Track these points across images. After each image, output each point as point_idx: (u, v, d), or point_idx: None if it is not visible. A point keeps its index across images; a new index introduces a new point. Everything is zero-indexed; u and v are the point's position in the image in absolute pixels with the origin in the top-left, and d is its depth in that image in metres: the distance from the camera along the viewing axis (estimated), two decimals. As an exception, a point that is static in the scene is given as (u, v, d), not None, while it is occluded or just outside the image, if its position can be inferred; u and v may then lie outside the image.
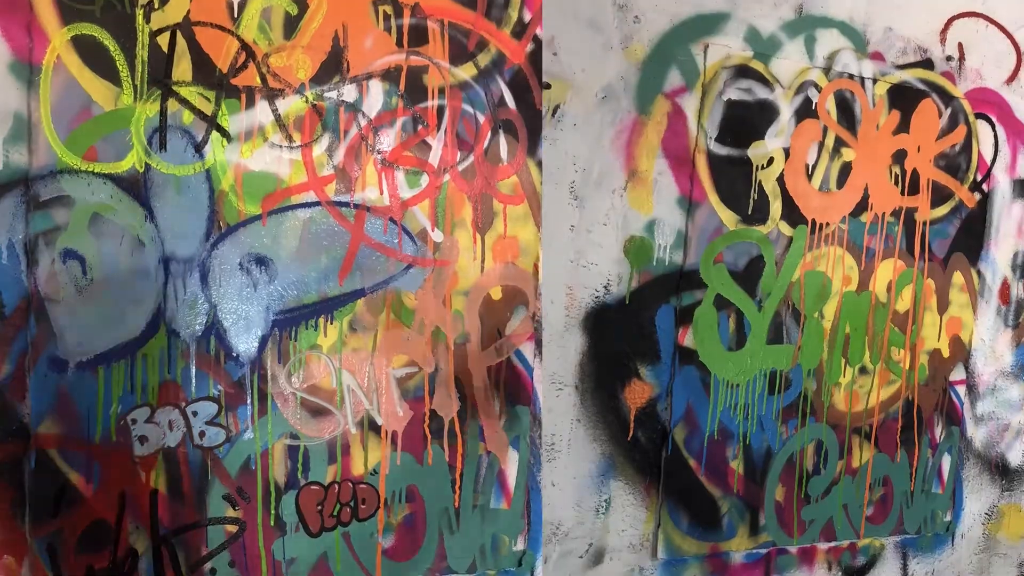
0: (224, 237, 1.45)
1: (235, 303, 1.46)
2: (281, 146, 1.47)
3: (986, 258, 2.15)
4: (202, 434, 1.46)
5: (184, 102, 1.40)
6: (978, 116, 2.09)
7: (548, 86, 1.68)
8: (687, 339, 1.84)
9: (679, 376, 1.84)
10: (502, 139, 1.64)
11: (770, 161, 1.88)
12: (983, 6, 2.07)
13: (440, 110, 1.59)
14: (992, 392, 2.23)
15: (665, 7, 1.77)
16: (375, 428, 1.58)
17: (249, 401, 1.48)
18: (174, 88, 1.40)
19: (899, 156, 2.00)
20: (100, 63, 1.35)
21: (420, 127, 1.57)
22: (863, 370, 2.03)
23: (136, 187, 1.39)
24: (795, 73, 1.89)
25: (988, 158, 2.11)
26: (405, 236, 1.58)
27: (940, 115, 2.04)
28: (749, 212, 1.87)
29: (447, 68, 1.58)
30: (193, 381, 1.44)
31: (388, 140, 1.55)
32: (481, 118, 1.62)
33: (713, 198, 1.83)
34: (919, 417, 2.11)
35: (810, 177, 1.92)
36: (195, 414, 1.45)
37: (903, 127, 2.00)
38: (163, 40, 1.38)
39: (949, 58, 2.05)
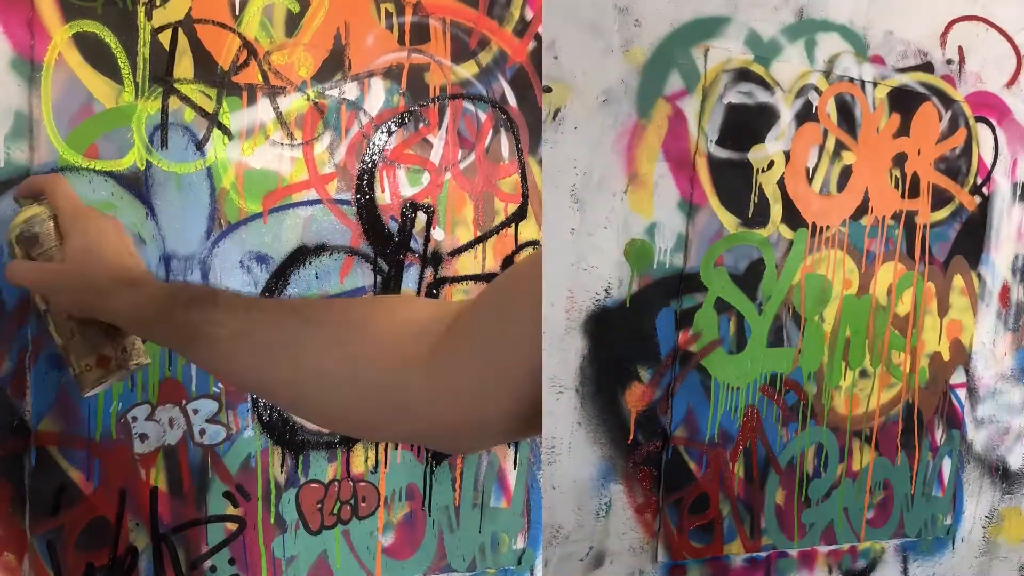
0: (225, 235, 1.45)
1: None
2: (282, 144, 1.47)
3: (986, 261, 2.15)
4: (202, 432, 1.45)
5: (185, 100, 1.40)
6: (978, 119, 2.09)
7: (549, 89, 1.68)
8: (687, 342, 1.84)
9: (679, 379, 1.84)
10: (503, 137, 1.64)
11: (771, 164, 1.88)
12: (983, 9, 2.07)
13: (442, 108, 1.59)
14: (992, 395, 2.23)
15: (666, 11, 1.77)
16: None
17: (250, 399, 1.48)
18: (175, 86, 1.40)
19: (899, 159, 2.00)
20: (101, 60, 1.35)
21: (421, 125, 1.58)
22: (863, 373, 2.03)
23: (137, 185, 1.38)
24: (796, 76, 1.89)
25: (988, 161, 2.11)
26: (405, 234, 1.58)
27: (940, 118, 2.04)
28: (749, 215, 1.87)
29: (449, 66, 1.58)
30: (193, 379, 1.44)
31: (390, 138, 1.56)
32: (482, 116, 1.62)
33: (714, 201, 1.83)
34: (919, 420, 2.11)
35: (810, 180, 1.92)
36: (196, 412, 1.45)
37: (903, 130, 2.00)
38: (164, 37, 1.38)
39: (949, 61, 2.05)
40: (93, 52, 1.35)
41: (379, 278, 1.56)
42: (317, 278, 1.51)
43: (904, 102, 2.00)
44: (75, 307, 1.21)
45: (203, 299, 1.12)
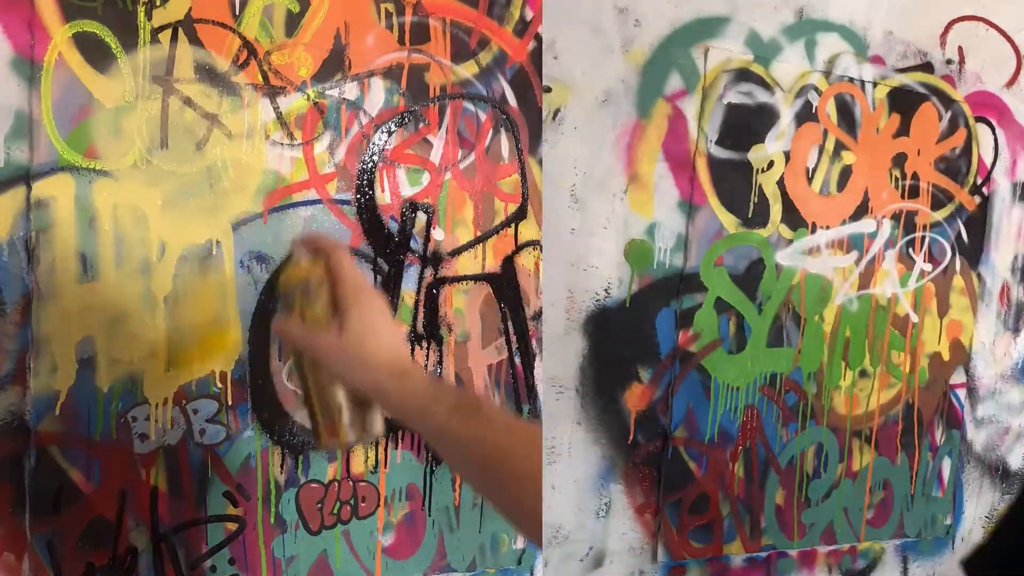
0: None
1: (236, 301, 1.46)
2: (282, 144, 1.47)
3: (986, 261, 2.15)
4: (202, 432, 1.45)
5: (185, 99, 1.40)
6: (978, 119, 2.09)
7: (549, 89, 1.68)
8: (687, 342, 1.84)
9: (679, 379, 1.84)
10: (503, 137, 1.64)
11: (770, 164, 1.88)
12: (983, 9, 2.07)
13: (442, 108, 1.59)
14: (992, 395, 2.23)
15: (666, 11, 1.77)
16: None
17: (250, 399, 1.48)
18: (175, 86, 1.40)
19: (899, 159, 2.00)
20: (101, 60, 1.35)
21: (421, 125, 1.58)
22: (863, 373, 2.03)
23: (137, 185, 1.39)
24: (795, 77, 1.89)
25: (988, 161, 2.12)
26: (405, 234, 1.58)
27: (940, 119, 2.04)
28: (749, 215, 1.87)
29: (449, 66, 1.58)
30: (194, 379, 1.44)
31: (390, 138, 1.56)
32: (482, 116, 1.62)
33: (713, 201, 1.83)
34: (919, 420, 2.11)
35: (810, 180, 1.92)
36: (195, 412, 1.45)
37: (903, 130, 2.00)
38: (164, 37, 1.38)
39: (949, 61, 2.05)
40: (93, 52, 1.35)
41: (379, 278, 1.56)
42: (317, 277, 1.51)
43: (904, 102, 2.00)
44: (341, 379, 1.20)
45: (469, 409, 1.15)
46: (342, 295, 1.19)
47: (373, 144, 1.54)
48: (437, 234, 1.60)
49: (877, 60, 1.97)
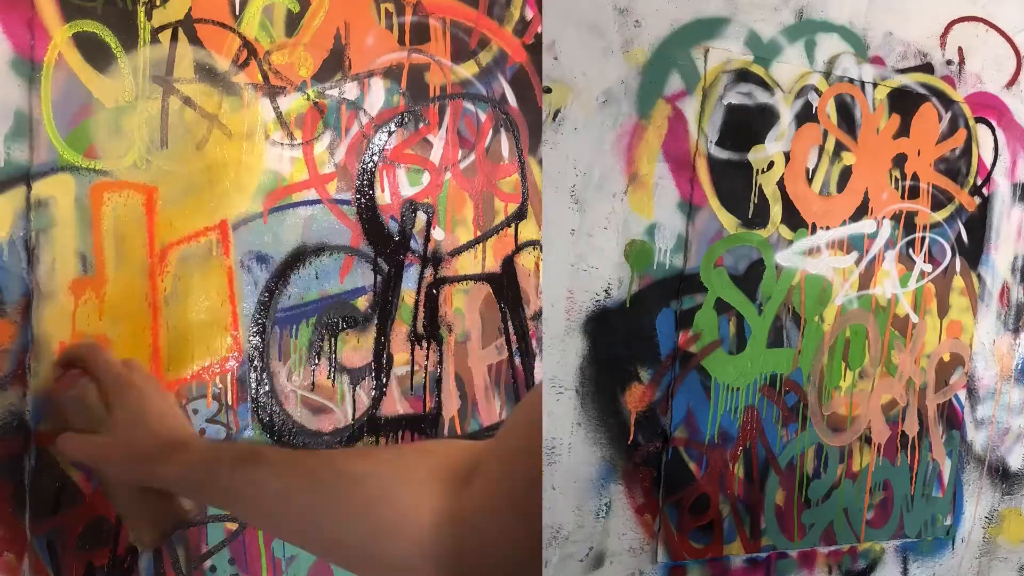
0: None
1: (236, 301, 1.46)
2: (282, 144, 1.47)
3: (986, 261, 2.15)
4: (202, 432, 1.45)
5: (185, 99, 1.40)
6: (978, 120, 2.09)
7: (549, 90, 1.68)
8: (687, 343, 1.84)
9: (679, 380, 1.84)
10: (503, 137, 1.64)
11: (770, 165, 1.88)
12: (983, 10, 2.07)
13: (442, 108, 1.59)
14: (992, 396, 2.23)
15: (666, 11, 1.77)
16: (376, 426, 1.58)
17: (250, 399, 1.48)
18: (175, 85, 1.39)
19: (899, 160, 2.00)
20: (101, 60, 1.35)
21: (421, 125, 1.58)
22: (863, 374, 2.03)
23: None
24: (795, 77, 1.89)
25: (988, 162, 2.12)
26: (405, 234, 1.58)
27: (940, 119, 2.04)
28: (749, 216, 1.87)
29: (449, 66, 1.59)
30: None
31: (390, 138, 1.56)
32: (482, 116, 1.62)
33: (713, 202, 1.83)
34: (919, 421, 2.11)
35: (810, 181, 1.92)
36: (196, 412, 1.45)
37: (903, 131, 2.00)
38: (164, 37, 1.38)
39: (949, 62, 2.05)
40: (93, 52, 1.34)
41: (379, 278, 1.56)
42: (317, 278, 1.51)
43: (904, 103, 2.00)
44: (125, 476, 1.22)
45: (247, 458, 1.13)
46: (104, 395, 1.22)
47: (373, 144, 1.54)
48: (437, 234, 1.60)
49: (877, 61, 1.97)
